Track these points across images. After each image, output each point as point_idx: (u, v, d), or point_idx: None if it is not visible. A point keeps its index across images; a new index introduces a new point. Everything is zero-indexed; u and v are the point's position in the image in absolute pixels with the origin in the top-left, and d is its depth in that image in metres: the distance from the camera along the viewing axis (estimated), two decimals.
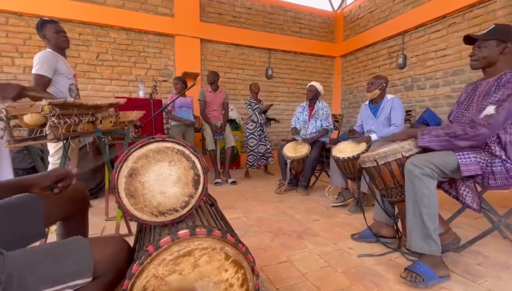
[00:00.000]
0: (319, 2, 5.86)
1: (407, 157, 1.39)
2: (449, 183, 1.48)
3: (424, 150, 1.46)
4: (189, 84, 3.67)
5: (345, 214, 2.28)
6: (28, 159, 2.69)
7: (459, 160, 1.26)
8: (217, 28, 4.74)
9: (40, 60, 1.84)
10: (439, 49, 3.88)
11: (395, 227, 1.70)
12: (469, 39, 1.42)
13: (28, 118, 1.04)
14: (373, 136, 2.34)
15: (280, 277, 1.32)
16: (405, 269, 1.30)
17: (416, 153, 1.40)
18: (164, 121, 3.54)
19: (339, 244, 1.70)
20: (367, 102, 2.58)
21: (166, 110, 3.35)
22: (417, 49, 4.19)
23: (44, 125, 1.14)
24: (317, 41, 5.65)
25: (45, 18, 1.96)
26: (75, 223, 0.92)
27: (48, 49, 1.94)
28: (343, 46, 5.70)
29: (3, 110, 0.99)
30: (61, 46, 1.99)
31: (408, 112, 3.96)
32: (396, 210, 1.68)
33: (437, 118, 3.70)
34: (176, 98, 3.15)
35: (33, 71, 1.83)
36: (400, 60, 4.39)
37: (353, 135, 2.46)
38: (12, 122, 1.09)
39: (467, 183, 1.41)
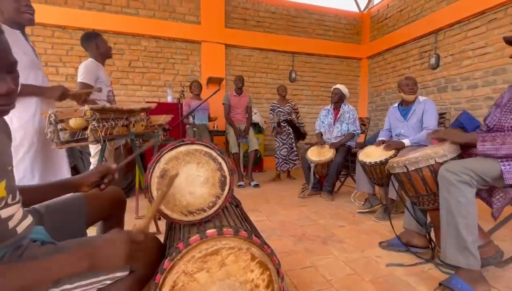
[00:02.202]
0: (345, 3, 5.75)
1: (441, 163, 1.30)
2: (487, 191, 1.37)
3: (461, 155, 1.37)
4: (213, 88, 3.78)
5: (372, 221, 2.19)
6: (69, 158, 2.93)
7: (502, 167, 1.16)
8: (242, 34, 4.83)
9: (85, 70, 2.00)
10: (477, 47, 3.61)
11: (427, 237, 1.60)
12: (509, 40, 1.33)
13: (72, 122, 1.15)
14: (406, 142, 2.21)
15: (304, 282, 1.31)
16: (440, 284, 1.21)
17: (451, 159, 1.32)
18: (186, 127, 3.67)
19: (366, 252, 1.64)
20: (396, 104, 2.48)
21: (193, 114, 3.47)
22: (452, 48, 3.94)
23: (85, 128, 1.25)
24: (342, 43, 5.53)
25: (96, 32, 2.17)
26: (113, 222, 0.99)
27: (90, 59, 2.11)
28: (370, 47, 5.53)
29: (52, 114, 1.10)
30: (108, 57, 2.21)
31: (441, 115, 3.72)
32: (429, 219, 1.59)
33: (475, 122, 3.43)
34: (202, 103, 3.25)
35: (78, 79, 1.99)
36: (433, 60, 4.16)
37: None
38: (59, 125, 1.20)
39: (509, 190, 1.30)
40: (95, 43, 2.10)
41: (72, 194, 0.85)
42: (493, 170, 1.17)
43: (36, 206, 0.80)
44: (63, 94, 1.41)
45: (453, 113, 3.86)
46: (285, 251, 1.64)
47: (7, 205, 0.60)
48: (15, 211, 0.63)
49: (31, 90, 1.35)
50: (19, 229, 0.63)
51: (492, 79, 3.46)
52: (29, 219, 0.68)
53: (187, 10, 4.56)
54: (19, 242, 0.62)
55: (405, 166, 1.39)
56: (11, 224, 0.61)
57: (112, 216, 0.98)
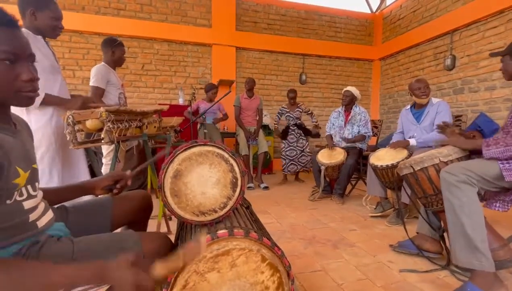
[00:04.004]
0: (356, 4, 5.70)
1: (446, 162, 1.30)
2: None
3: (468, 156, 1.35)
4: (223, 91, 3.81)
5: (385, 225, 2.15)
6: (85, 158, 3.02)
7: (501, 165, 1.15)
8: (252, 36, 4.86)
9: (96, 74, 2.10)
10: (496, 48, 3.49)
11: (441, 243, 1.55)
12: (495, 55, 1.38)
13: (89, 123, 1.19)
14: (412, 141, 2.19)
15: (314, 285, 1.29)
16: None
17: (456, 159, 1.31)
18: (198, 127, 3.70)
19: (378, 256, 1.60)
20: (408, 107, 2.42)
21: (204, 116, 3.51)
22: (469, 48, 3.83)
23: (100, 130, 1.29)
24: (353, 45, 5.47)
25: (119, 40, 2.24)
26: (137, 227, 0.99)
27: (102, 63, 2.20)
28: (382, 49, 5.44)
29: (70, 116, 1.14)
30: (119, 65, 2.29)
31: (458, 118, 3.61)
32: (443, 224, 1.54)
33: (493, 124, 3.31)
34: (212, 105, 3.29)
35: (91, 83, 2.09)
36: (448, 61, 4.05)
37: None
38: (76, 127, 1.24)
39: None
40: (112, 50, 2.19)
41: (103, 196, 0.88)
42: (492, 169, 1.16)
43: (64, 203, 0.84)
44: (82, 106, 1.47)
45: (470, 115, 3.74)
46: (295, 254, 1.62)
47: (30, 197, 0.63)
48: (37, 203, 0.66)
49: (53, 101, 1.41)
50: (40, 224, 0.66)
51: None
52: (50, 215, 0.71)
53: (198, 14, 4.63)
54: (38, 236, 0.65)
55: (411, 166, 1.41)
56: (32, 217, 0.64)
57: (137, 221, 0.98)
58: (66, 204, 0.84)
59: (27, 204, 0.63)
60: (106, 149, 2.16)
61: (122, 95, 2.29)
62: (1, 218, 0.57)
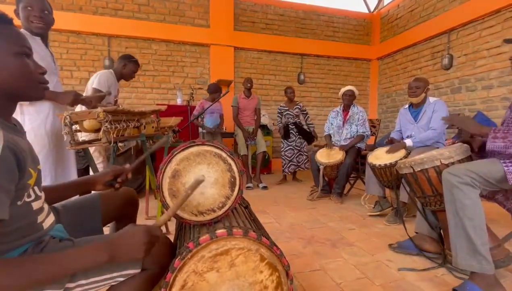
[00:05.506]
0: (354, 4, 5.71)
1: (447, 164, 1.29)
2: (504, 194, 1.33)
3: (470, 157, 1.34)
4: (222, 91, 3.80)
5: (383, 224, 2.15)
6: (82, 159, 3.01)
7: (505, 168, 1.13)
8: (250, 36, 4.86)
9: (100, 78, 2.10)
10: (492, 47, 3.51)
11: (440, 241, 1.56)
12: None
13: (87, 123, 1.19)
14: (408, 142, 2.19)
15: (313, 285, 1.30)
16: (454, 290, 1.18)
17: (458, 161, 1.29)
18: (201, 134, 3.70)
19: (377, 255, 1.61)
20: (407, 106, 2.43)
21: (202, 116, 3.51)
22: (466, 47, 3.84)
23: (98, 130, 1.29)
24: (351, 44, 5.48)
25: (136, 59, 2.33)
26: (126, 222, 0.99)
27: (110, 70, 2.23)
28: (380, 48, 5.46)
29: (68, 117, 1.13)
30: (125, 79, 2.35)
31: None
32: (440, 222, 1.55)
33: (491, 123, 3.33)
34: (209, 106, 3.28)
35: (93, 85, 2.07)
36: (446, 61, 4.06)
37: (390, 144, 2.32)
38: (74, 127, 1.24)
39: None
40: (124, 64, 2.25)
41: (88, 194, 0.88)
42: (496, 171, 1.15)
43: (54, 204, 0.83)
44: (75, 99, 1.46)
45: (467, 114, 3.76)
46: (294, 254, 1.63)
47: (37, 198, 0.64)
48: (42, 204, 0.67)
49: (46, 96, 1.40)
50: (45, 225, 0.67)
51: (508, 79, 3.35)
52: (52, 217, 0.71)
53: (196, 14, 4.62)
54: (42, 237, 0.65)
55: (411, 167, 1.41)
56: (39, 218, 0.65)
57: (125, 217, 0.99)
58: (55, 204, 0.84)
59: (35, 205, 0.63)
60: (90, 149, 2.14)
61: (110, 105, 2.27)
62: (13, 219, 0.56)
